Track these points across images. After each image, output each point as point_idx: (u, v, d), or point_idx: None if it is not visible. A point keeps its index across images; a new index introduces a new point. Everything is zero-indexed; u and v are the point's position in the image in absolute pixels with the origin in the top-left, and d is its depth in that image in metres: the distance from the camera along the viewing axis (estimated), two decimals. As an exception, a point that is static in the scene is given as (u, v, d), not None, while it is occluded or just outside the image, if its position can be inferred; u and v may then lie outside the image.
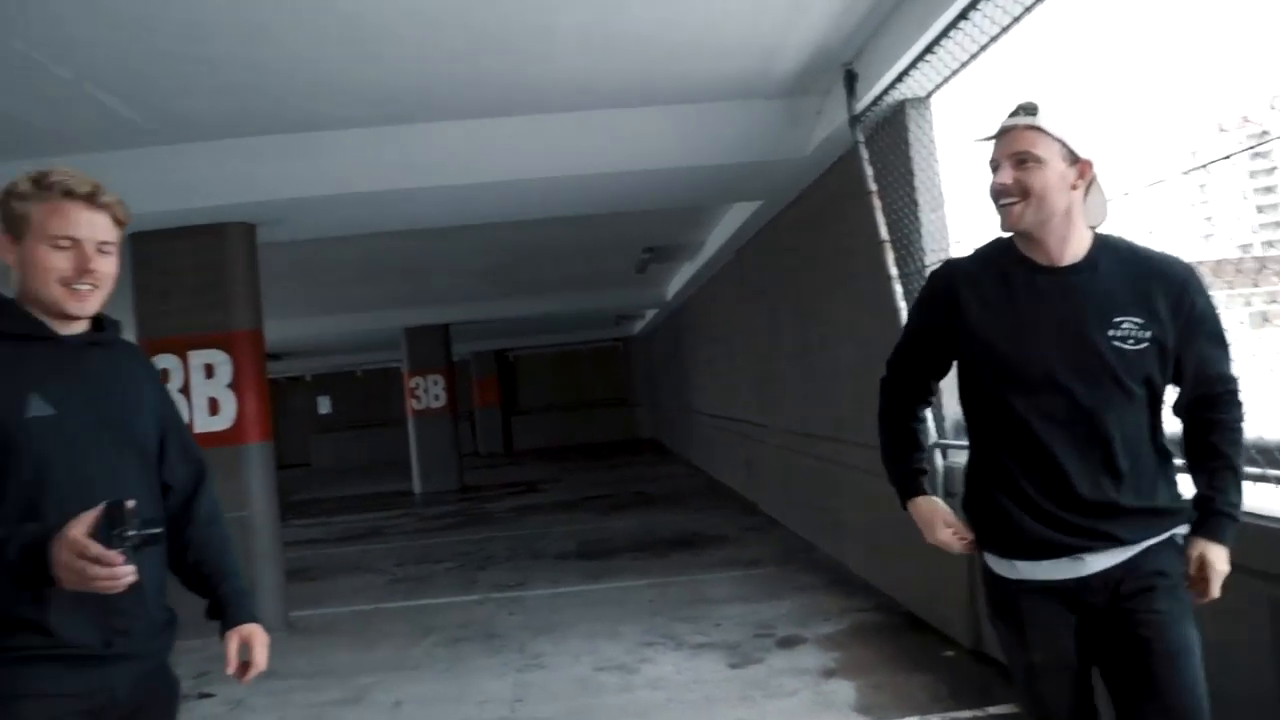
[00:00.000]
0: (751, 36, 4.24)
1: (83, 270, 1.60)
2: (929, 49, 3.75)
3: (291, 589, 6.23)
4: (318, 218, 5.85)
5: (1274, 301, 2.78)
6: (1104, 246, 1.85)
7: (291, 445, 21.34)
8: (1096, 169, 1.83)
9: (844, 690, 3.88)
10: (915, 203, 4.29)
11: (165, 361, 5.69)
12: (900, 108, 4.34)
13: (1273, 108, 2.20)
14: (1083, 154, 1.81)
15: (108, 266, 1.65)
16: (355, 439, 22.20)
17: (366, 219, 6.15)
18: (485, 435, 21.84)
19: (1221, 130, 2.48)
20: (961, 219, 4.22)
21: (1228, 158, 2.48)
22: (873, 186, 4.48)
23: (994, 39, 3.47)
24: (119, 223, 1.67)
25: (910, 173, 4.30)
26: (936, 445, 4.19)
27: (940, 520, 1.98)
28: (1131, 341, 1.76)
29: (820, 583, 5.77)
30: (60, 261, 1.59)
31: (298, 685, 4.63)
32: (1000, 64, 3.72)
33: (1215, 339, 1.84)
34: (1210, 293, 1.84)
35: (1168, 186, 2.73)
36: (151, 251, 5.74)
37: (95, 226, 1.62)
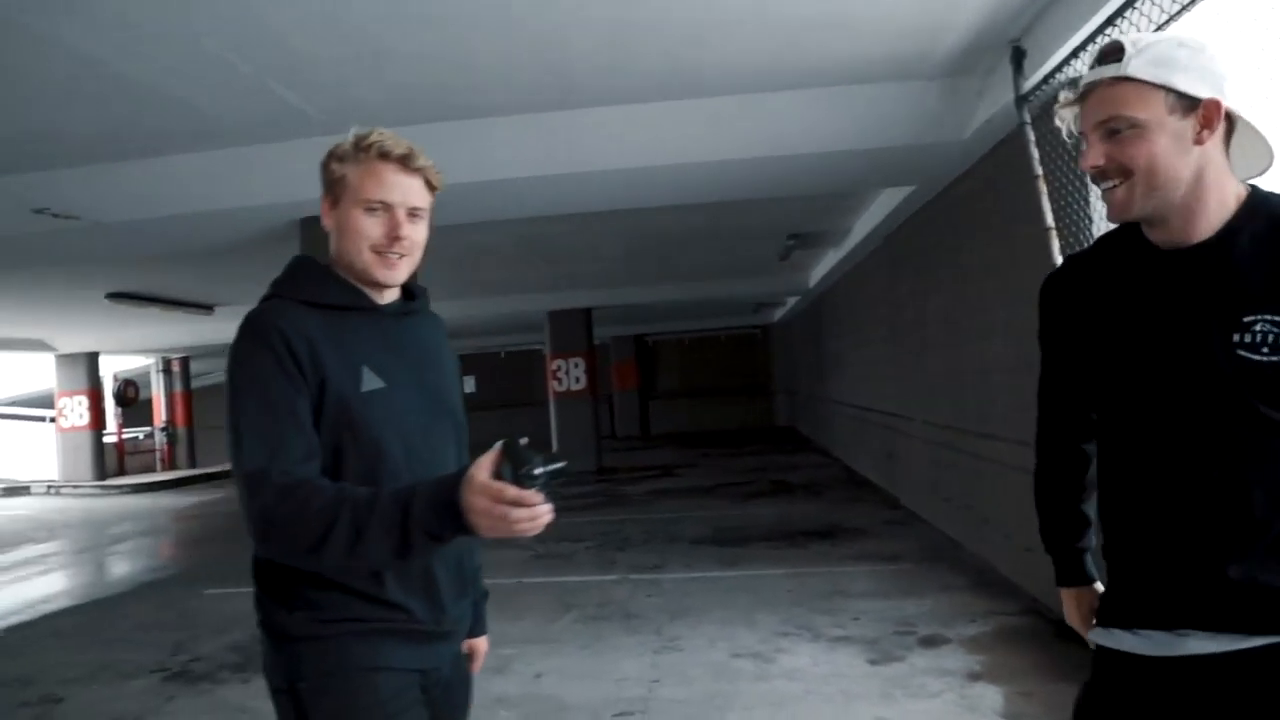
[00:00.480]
0: (917, 15, 4.10)
1: (393, 237, 1.54)
2: (1107, 23, 3.52)
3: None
4: (471, 203, 6.05)
5: None
6: (1255, 210, 1.33)
7: (439, 422, 22.22)
8: (1235, 103, 1.32)
9: (991, 695, 3.73)
10: (1086, 188, 4.04)
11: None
12: (1074, 86, 4.09)
13: None
14: (1204, 93, 1.28)
15: (418, 233, 1.58)
16: (498, 419, 22.93)
17: (517, 204, 6.31)
18: (623, 418, 22.16)
19: None
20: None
21: None
22: (1039, 170, 4.25)
23: (1182, 10, 3.22)
24: (432, 188, 1.58)
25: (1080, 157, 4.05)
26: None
27: (1079, 617, 1.69)
28: (1266, 350, 1.26)
29: (964, 582, 5.57)
30: (372, 227, 1.54)
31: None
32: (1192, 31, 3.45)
33: None
34: None
35: None
36: (320, 235, 6.06)
37: (408, 191, 1.55)
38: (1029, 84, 4.19)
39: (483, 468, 1.28)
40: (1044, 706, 3.57)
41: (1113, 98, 1.31)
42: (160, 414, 19.42)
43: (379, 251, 1.55)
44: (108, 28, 3.77)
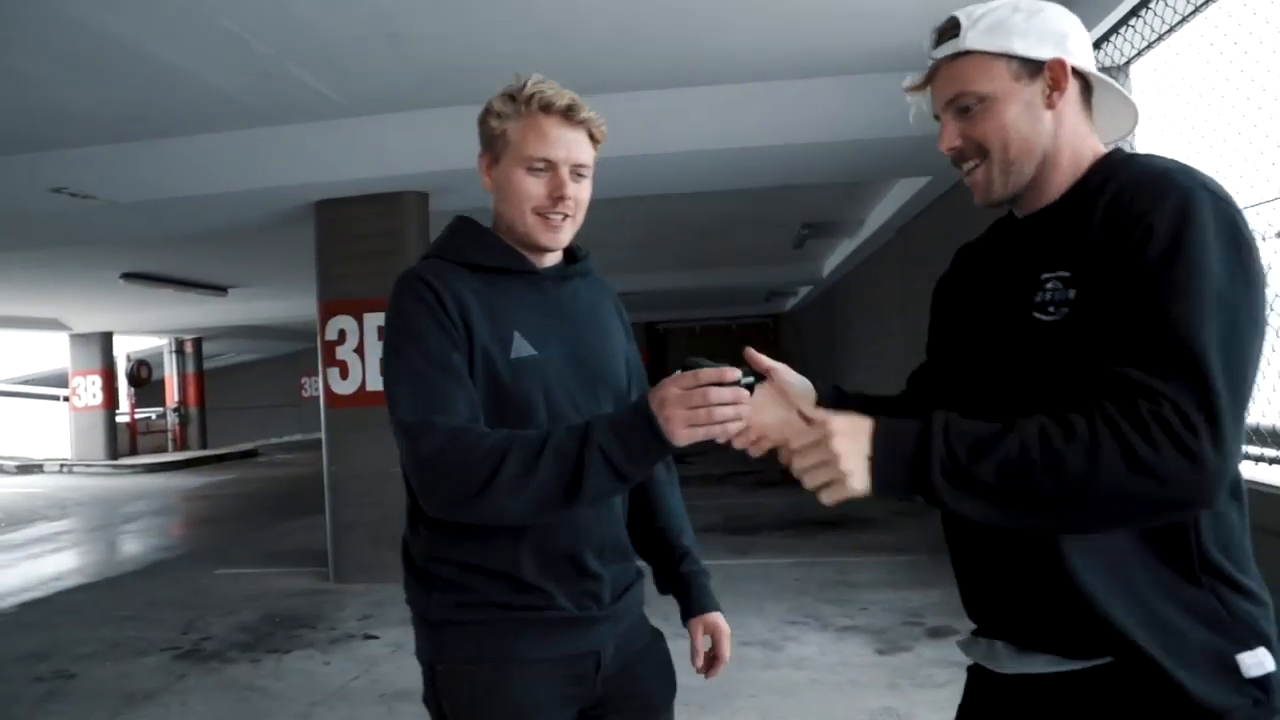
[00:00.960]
0: (926, 3, 4.06)
1: (557, 197, 1.44)
2: (1132, 14, 3.49)
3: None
4: (476, 188, 6.04)
5: None
6: (1106, 172, 1.19)
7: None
8: (1083, 61, 1.22)
9: None
10: (1104, 179, 4.00)
11: (342, 323, 6.05)
12: (1092, 77, 4.06)
13: None
14: (1047, 53, 1.19)
15: (583, 192, 1.48)
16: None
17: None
18: (632, 405, 22.17)
19: None
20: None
21: None
22: (1056, 161, 4.21)
23: (1201, 5, 3.19)
24: (595, 141, 1.48)
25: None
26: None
27: None
28: (1052, 310, 1.15)
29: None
30: (534, 187, 1.44)
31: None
32: (1208, 32, 3.41)
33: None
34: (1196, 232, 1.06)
35: None
36: (335, 217, 6.10)
37: (572, 146, 1.44)
38: (1049, 74, 4.14)
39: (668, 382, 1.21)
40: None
41: (957, 74, 1.24)
42: (173, 394, 19.54)
43: (541, 213, 1.45)
44: (124, 4, 3.78)
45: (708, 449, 1.35)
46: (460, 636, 1.43)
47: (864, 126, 5.12)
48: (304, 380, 24.77)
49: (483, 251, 1.48)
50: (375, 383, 5.99)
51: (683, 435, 1.19)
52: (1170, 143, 3.90)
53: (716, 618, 1.63)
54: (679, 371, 1.20)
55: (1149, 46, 3.74)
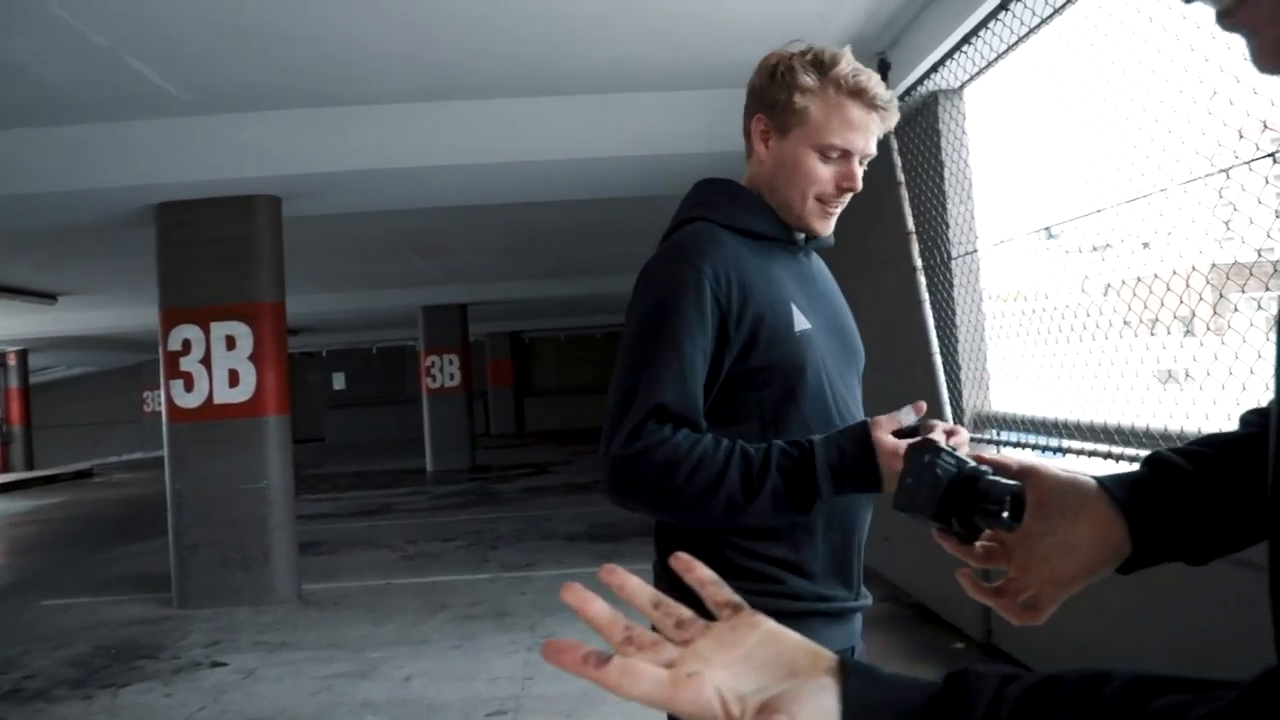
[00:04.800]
0: (792, 21, 4.21)
1: (845, 188, 1.36)
2: (965, 40, 3.73)
3: (304, 562, 6.28)
4: (343, 193, 5.87)
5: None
6: None
7: (305, 420, 21.46)
8: None
9: (854, 680, 3.87)
10: (944, 194, 4.26)
11: (186, 332, 5.74)
12: (933, 99, 4.31)
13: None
14: None
15: (859, 186, 1.40)
16: (369, 416, 22.30)
17: (391, 195, 6.16)
18: (498, 416, 21.90)
19: (1241, 136, 2.45)
20: (989, 212, 4.20)
21: (1247, 164, 2.45)
22: (901, 177, 4.45)
23: (1030, 32, 3.44)
24: (885, 130, 1.40)
25: (940, 164, 4.28)
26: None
27: None
28: None
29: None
30: (824, 172, 1.35)
31: (309, 657, 4.67)
32: (1034, 58, 3.68)
33: None
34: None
35: (1185, 191, 2.71)
36: (178, 221, 5.78)
37: (870, 136, 1.35)
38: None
39: (883, 425, 1.22)
40: (902, 689, 3.74)
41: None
42: (-7, 411, 17.98)
43: (824, 200, 1.37)
44: (-64, -12, 3.48)
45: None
46: None
47: (731, 139, 5.23)
48: (145, 394, 23.26)
49: (754, 218, 1.40)
50: (223, 395, 5.71)
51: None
52: (998, 163, 4.19)
53: None
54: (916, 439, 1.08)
55: (978, 74, 4.01)
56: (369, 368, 23.44)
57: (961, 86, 4.26)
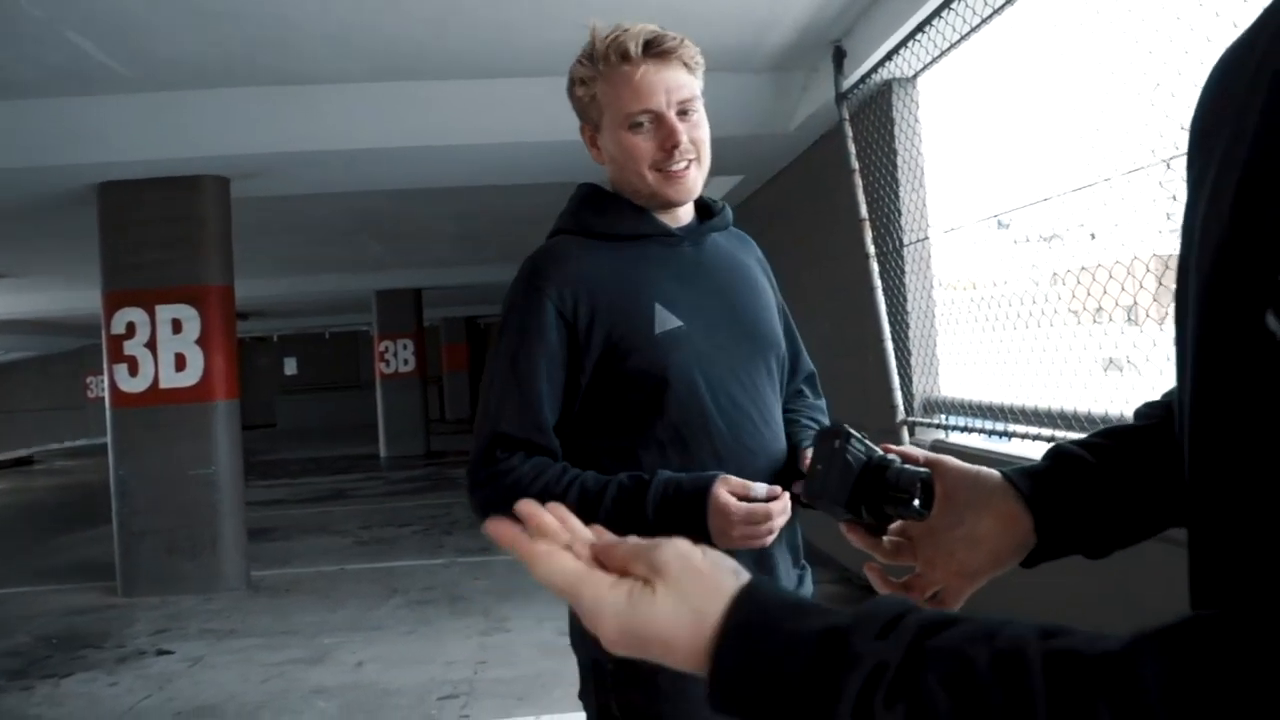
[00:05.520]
0: (746, 8, 4.22)
1: (670, 146, 1.31)
2: (918, 29, 3.76)
3: (254, 548, 6.20)
4: (294, 174, 5.76)
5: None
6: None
7: (256, 406, 21.12)
8: None
9: None
10: (896, 182, 4.31)
11: (130, 315, 5.61)
12: (887, 87, 4.35)
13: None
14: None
15: (697, 131, 1.34)
16: (321, 401, 21.99)
17: (344, 177, 6.06)
18: (453, 401, 21.74)
19: (1182, 128, 2.51)
20: (941, 200, 4.26)
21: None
22: (855, 164, 4.49)
23: (983, 23, 3.48)
24: (692, 69, 1.34)
25: (893, 152, 4.32)
26: (904, 422, 4.25)
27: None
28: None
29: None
30: (644, 144, 1.32)
31: (259, 644, 4.61)
32: (989, 48, 3.73)
33: None
34: None
35: (1128, 181, 2.78)
36: (123, 201, 5.63)
37: (669, 85, 1.31)
38: (848, 82, 4.41)
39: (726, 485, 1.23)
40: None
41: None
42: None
43: (660, 168, 1.33)
44: None
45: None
46: None
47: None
48: (89, 380, 22.68)
49: (612, 220, 1.38)
50: (169, 380, 5.59)
51: (720, 543, 1.19)
52: (951, 151, 4.25)
53: None
54: (811, 447, 1.10)
55: (932, 63, 4.05)
56: (321, 353, 23.13)
57: (915, 75, 4.30)
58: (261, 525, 7.69)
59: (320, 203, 7.35)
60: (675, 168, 1.32)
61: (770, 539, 1.24)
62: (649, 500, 1.25)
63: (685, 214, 1.42)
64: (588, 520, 1.23)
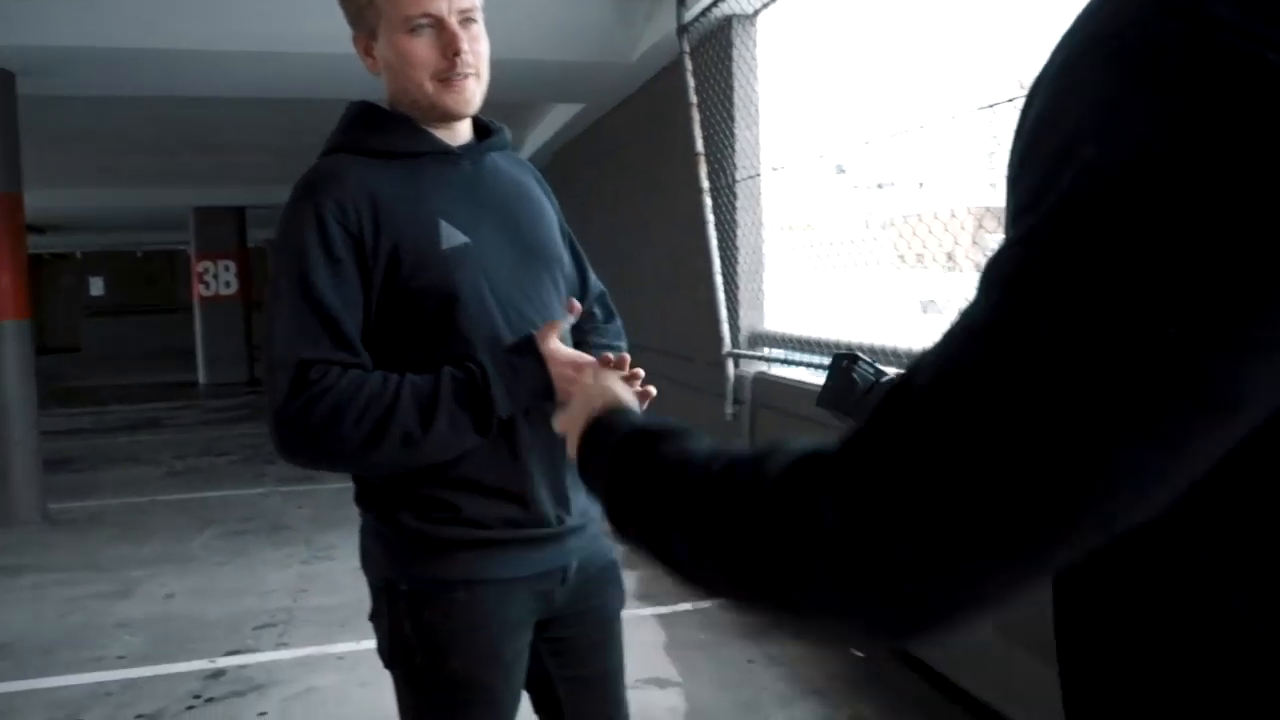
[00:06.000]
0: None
1: (453, 52, 1.28)
2: (757, -35, 3.78)
3: (52, 480, 5.77)
4: (93, 74, 5.24)
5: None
6: None
7: (57, 328, 19.45)
8: None
9: (626, 580, 4.06)
10: (732, 119, 4.37)
11: (-102, 219, 5.00)
12: (727, 23, 4.37)
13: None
14: None
15: (479, 44, 1.32)
16: (133, 325, 20.42)
17: (152, 81, 5.56)
18: (282, 330, 20.79)
19: (1014, 79, 2.66)
20: (775, 139, 4.36)
21: (1011, 101, 2.67)
22: (693, 99, 4.52)
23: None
24: None
25: (730, 88, 4.37)
26: (729, 354, 4.39)
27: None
28: None
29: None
30: (424, 49, 1.28)
31: (56, 579, 4.33)
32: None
33: None
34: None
35: (957, 130, 2.93)
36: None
37: None
38: (690, 15, 4.40)
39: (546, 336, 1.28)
40: (670, 585, 3.96)
41: None
42: None
43: (442, 78, 1.29)
44: None
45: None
46: (431, 555, 1.32)
47: (518, 47, 5.09)
48: None
49: (389, 137, 1.33)
50: (-54, 293, 5.04)
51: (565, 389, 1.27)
52: (792, 91, 4.35)
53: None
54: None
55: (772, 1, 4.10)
56: (133, 272, 21.46)
57: (756, 12, 4.34)
58: (61, 455, 7.15)
59: (128, 107, 6.74)
60: (457, 76, 1.30)
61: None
62: (491, 383, 1.26)
63: (464, 132, 1.40)
64: (427, 422, 1.23)
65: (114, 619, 3.80)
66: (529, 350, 1.28)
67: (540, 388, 1.28)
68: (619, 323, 1.60)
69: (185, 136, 8.58)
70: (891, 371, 1.04)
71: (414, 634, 1.33)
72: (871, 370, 1.02)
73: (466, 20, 1.31)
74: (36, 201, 5.60)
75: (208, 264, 13.15)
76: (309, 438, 1.24)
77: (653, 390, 1.28)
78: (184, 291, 14.83)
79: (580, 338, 1.47)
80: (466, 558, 1.32)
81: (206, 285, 13.17)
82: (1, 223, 5.21)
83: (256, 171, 11.10)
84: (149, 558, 4.64)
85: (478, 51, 1.32)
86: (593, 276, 1.60)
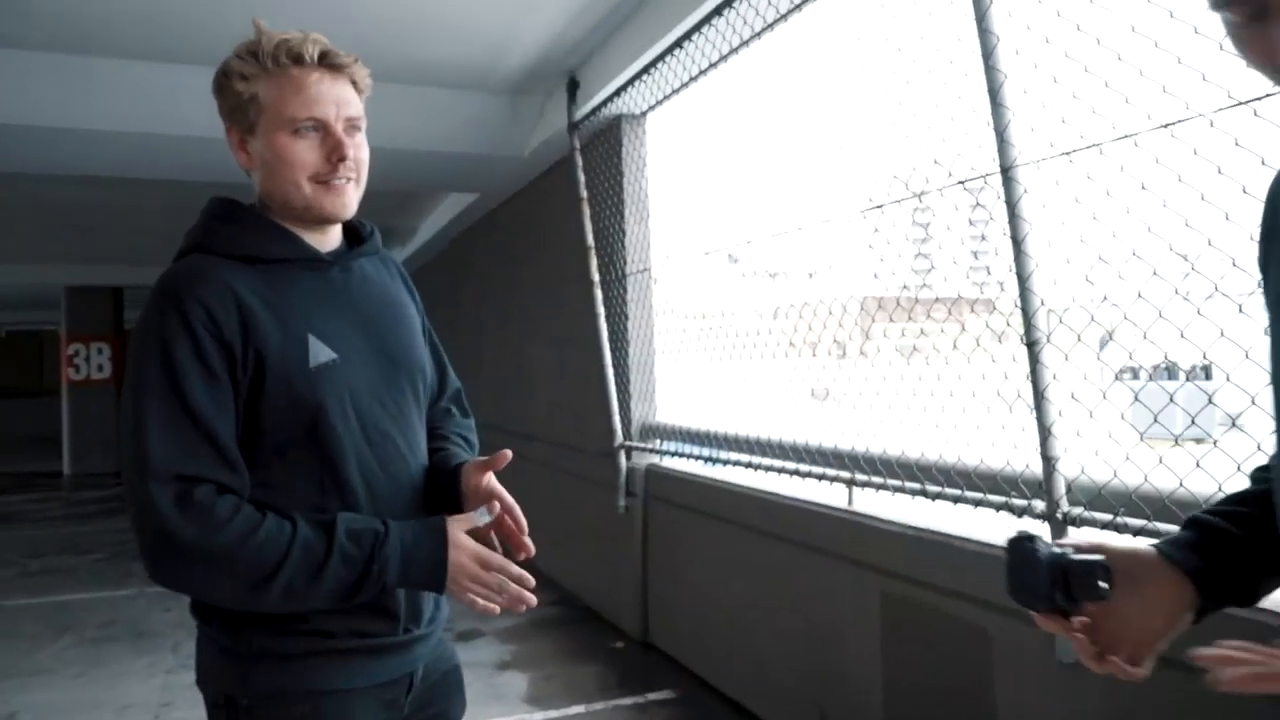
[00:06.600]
0: (482, 27, 4.20)
1: (338, 158, 1.27)
2: (646, 69, 3.93)
3: (-115, 582, 5.28)
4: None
5: (922, 335, 3.22)
6: None
7: (-96, 412, 18.03)
8: None
9: (516, 682, 3.94)
10: (622, 214, 4.47)
11: None
12: (617, 121, 4.51)
13: (935, 162, 2.54)
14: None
15: (361, 151, 1.32)
16: (-7, 409, 19.17)
17: (23, 158, 5.33)
18: (158, 414, 19.83)
19: (895, 178, 2.81)
20: (666, 233, 4.47)
21: (880, 207, 2.83)
22: (584, 193, 4.61)
23: (709, 68, 3.70)
24: (361, 91, 1.33)
25: (620, 185, 4.48)
26: (622, 446, 4.40)
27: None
28: None
29: (507, 578, 5.81)
30: (307, 152, 1.27)
31: (-119, 696, 3.92)
32: (716, 91, 3.98)
33: None
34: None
35: (843, 225, 3.07)
36: None
37: (340, 98, 1.28)
38: (581, 113, 4.53)
39: (460, 523, 1.27)
40: (564, 686, 3.87)
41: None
42: None
43: (322, 180, 1.28)
44: None
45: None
46: (273, 668, 1.27)
47: (414, 138, 5.13)
48: None
49: (257, 241, 1.29)
50: None
51: (460, 597, 1.26)
52: (678, 187, 4.49)
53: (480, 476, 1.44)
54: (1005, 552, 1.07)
55: (660, 102, 4.25)
56: (-4, 354, 20.23)
57: (644, 112, 4.49)
58: (-103, 555, 6.57)
59: (-4, 183, 6.45)
60: (338, 181, 1.30)
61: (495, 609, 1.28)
62: (389, 564, 1.24)
63: (334, 236, 1.39)
64: (311, 582, 1.21)
65: (-55, 743, 3.46)
66: (438, 536, 1.27)
67: (435, 576, 1.26)
68: (472, 421, 1.62)
69: (58, 214, 8.23)
70: (1077, 539, 1.07)
71: None
72: (1045, 547, 1.00)
73: (351, 127, 1.31)
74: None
75: (79, 346, 12.49)
76: (188, 567, 1.19)
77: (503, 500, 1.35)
78: (52, 375, 14.01)
79: (433, 428, 1.50)
80: (307, 668, 1.28)
81: (76, 368, 12.48)
82: None
83: (133, 251, 10.71)
84: (-8, 671, 4.26)
85: (360, 159, 1.33)
86: (451, 374, 1.60)
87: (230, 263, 1.27)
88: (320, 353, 1.27)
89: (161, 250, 7.85)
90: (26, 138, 4.81)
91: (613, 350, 4.47)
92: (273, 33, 1.28)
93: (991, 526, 2.37)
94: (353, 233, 1.43)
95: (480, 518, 1.28)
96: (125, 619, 5.06)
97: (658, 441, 4.35)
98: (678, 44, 3.65)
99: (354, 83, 1.32)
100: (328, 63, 1.28)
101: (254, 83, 1.27)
